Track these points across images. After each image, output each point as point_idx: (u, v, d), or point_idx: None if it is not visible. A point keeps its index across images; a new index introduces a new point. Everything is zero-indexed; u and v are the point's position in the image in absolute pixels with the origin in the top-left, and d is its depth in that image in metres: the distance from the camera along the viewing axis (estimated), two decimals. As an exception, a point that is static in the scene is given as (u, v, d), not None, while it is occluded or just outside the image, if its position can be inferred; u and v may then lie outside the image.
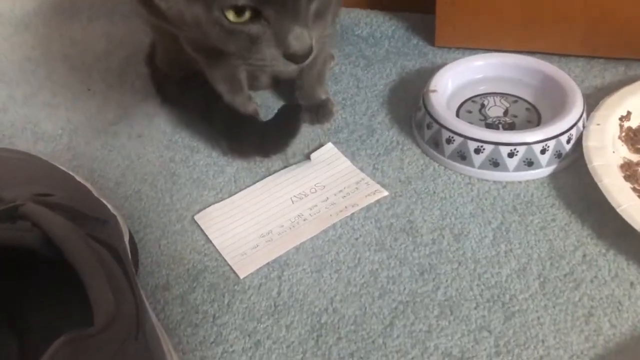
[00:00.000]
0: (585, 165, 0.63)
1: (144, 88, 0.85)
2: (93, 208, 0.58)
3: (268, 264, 0.60)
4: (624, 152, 0.66)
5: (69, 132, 0.79)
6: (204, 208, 0.66)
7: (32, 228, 0.43)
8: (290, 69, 0.55)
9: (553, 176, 0.66)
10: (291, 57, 0.52)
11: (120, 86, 0.86)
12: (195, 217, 0.65)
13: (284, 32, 0.50)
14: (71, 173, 0.63)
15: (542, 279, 0.56)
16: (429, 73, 0.76)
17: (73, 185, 0.61)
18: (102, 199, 0.61)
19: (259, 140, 0.69)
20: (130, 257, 0.56)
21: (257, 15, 0.50)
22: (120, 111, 0.81)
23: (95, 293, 0.41)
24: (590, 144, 0.64)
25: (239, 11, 0.49)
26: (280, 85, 0.82)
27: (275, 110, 0.70)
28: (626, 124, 0.68)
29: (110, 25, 1.00)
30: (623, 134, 0.67)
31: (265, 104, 0.80)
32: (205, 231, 0.63)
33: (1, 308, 0.50)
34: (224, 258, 0.61)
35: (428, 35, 0.88)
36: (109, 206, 0.61)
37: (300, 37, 0.51)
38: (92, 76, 0.89)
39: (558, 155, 0.65)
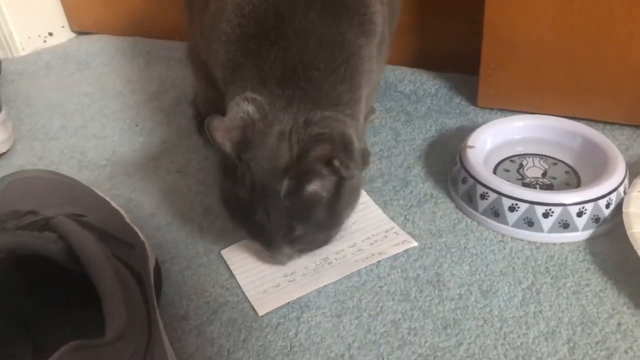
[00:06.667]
0: (625, 232, 0.60)
1: (188, 127, 0.88)
2: (123, 232, 0.59)
3: (288, 304, 0.59)
4: (667, 222, 0.63)
5: (112, 163, 0.82)
6: (232, 244, 0.66)
7: (57, 240, 0.44)
8: None
9: (590, 241, 0.64)
10: None
11: (167, 124, 0.89)
12: (222, 252, 0.65)
13: None
14: (107, 199, 0.65)
15: (571, 344, 0.53)
16: (468, 131, 0.75)
17: (107, 210, 0.63)
18: (133, 226, 0.62)
19: None
20: (152, 283, 0.57)
21: None
22: (162, 147, 0.84)
23: (110, 306, 0.42)
24: (631, 210, 0.62)
25: None
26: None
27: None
28: (670, 194, 0.66)
29: (165, 69, 1.05)
30: (667, 203, 0.65)
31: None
32: (230, 266, 0.63)
33: (19, 322, 0.51)
34: (244, 294, 0.60)
35: (470, 95, 0.88)
36: (140, 233, 0.62)
37: None
38: (142, 114, 0.92)
39: (596, 219, 0.63)
